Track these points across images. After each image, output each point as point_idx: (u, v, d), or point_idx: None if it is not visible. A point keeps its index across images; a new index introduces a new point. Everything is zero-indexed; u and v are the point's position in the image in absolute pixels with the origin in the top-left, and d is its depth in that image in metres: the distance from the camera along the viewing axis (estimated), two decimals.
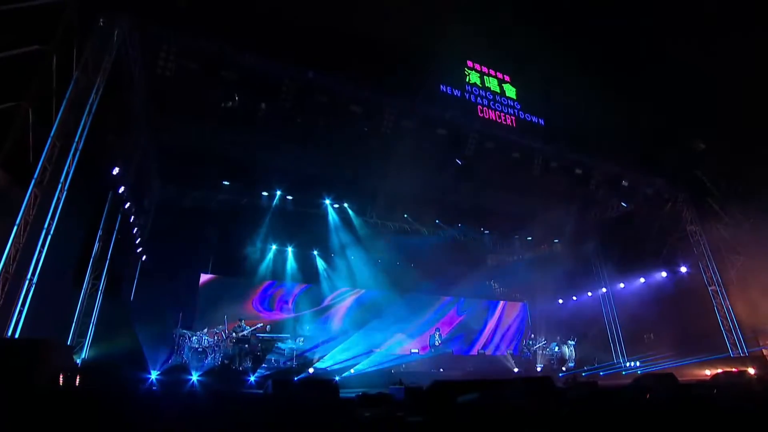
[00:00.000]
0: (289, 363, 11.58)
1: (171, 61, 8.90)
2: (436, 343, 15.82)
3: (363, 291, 17.28)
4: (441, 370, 14.00)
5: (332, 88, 10.51)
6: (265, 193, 14.47)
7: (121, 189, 8.87)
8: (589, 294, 18.25)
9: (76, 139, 7.30)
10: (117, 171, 8.24)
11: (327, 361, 12.38)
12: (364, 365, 12.23)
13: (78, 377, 6.46)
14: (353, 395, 4.03)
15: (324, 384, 3.68)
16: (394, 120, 11.05)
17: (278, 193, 14.46)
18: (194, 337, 11.74)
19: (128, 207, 9.56)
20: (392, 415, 3.52)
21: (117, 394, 5.22)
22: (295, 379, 10.62)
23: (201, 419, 3.16)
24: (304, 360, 12.03)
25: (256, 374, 10.34)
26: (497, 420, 3.64)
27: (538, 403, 4.25)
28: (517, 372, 13.96)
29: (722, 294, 14.57)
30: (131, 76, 8.97)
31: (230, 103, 9.76)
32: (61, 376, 5.96)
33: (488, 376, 10.87)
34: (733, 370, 9.55)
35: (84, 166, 7.97)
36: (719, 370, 9.52)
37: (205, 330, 12.25)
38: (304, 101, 10.31)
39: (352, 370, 11.64)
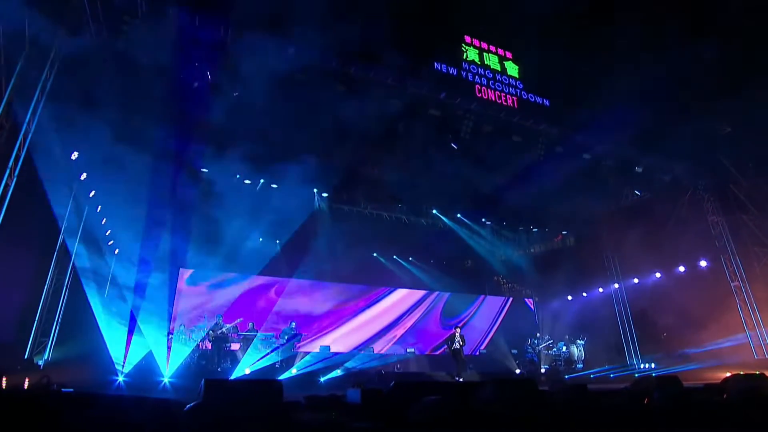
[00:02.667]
0: (272, 362, 11.43)
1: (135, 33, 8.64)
2: (457, 346, 14.56)
3: (356, 286, 17.10)
4: (435, 370, 13.81)
5: (313, 64, 10.20)
6: (248, 181, 14.24)
7: (83, 176, 8.67)
8: (600, 290, 17.90)
9: (27, 120, 7.09)
10: (76, 156, 8.03)
11: (313, 359, 12.24)
12: (351, 365, 12.07)
13: (27, 380, 6.33)
14: (302, 398, 3.83)
15: (266, 385, 3.45)
16: (382, 100, 10.73)
17: (261, 180, 14.23)
18: (171, 336, 11.63)
19: (94, 196, 9.38)
20: (333, 420, 3.30)
21: (57, 397, 4.99)
22: (280, 378, 10.52)
23: (110, 428, 2.94)
24: (288, 359, 11.87)
25: (234, 375, 10.21)
26: (459, 426, 3.39)
27: (513, 408, 3.99)
28: (519, 373, 13.75)
29: (746, 290, 14.18)
30: (92, 51, 8.71)
31: (201, 81, 9.49)
32: (4, 379, 5.82)
33: (487, 377, 10.64)
34: (756, 372, 9.16)
35: (39, 151, 7.79)
36: (741, 373, 9.15)
37: (182, 328, 12.15)
38: (281, 79, 10.01)
39: (338, 371, 11.47)
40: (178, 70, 9.50)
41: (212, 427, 3.04)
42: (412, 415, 3.51)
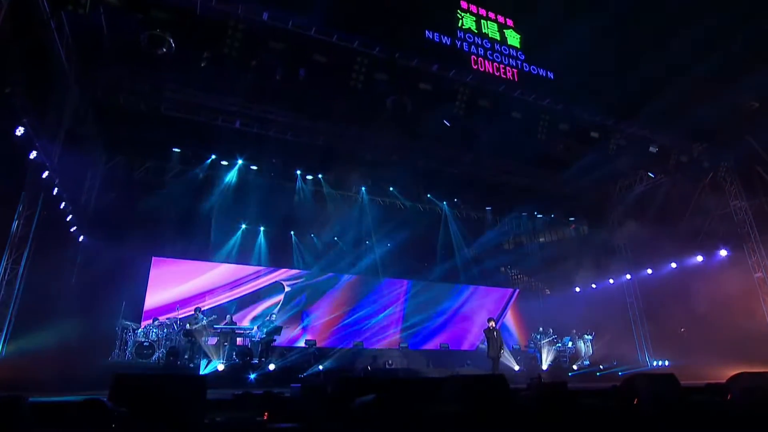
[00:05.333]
0: (247, 358, 11.31)
1: None
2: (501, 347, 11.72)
3: (347, 276, 16.95)
4: (430, 366, 13.72)
5: (289, 33, 9.86)
6: (224, 162, 14.03)
7: (33, 154, 8.45)
8: (611, 281, 17.63)
9: None
10: (23, 132, 7.80)
11: (295, 354, 12.17)
12: (337, 361, 11.97)
13: None
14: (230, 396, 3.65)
15: (186, 381, 3.27)
16: (366, 72, 10.37)
17: (239, 162, 14.01)
18: (140, 330, 11.55)
19: (48, 176, 9.17)
20: (256, 420, 3.11)
21: None
22: (256, 374, 10.40)
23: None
24: (267, 354, 11.77)
25: (205, 371, 10.12)
26: (398, 425, 3.19)
27: (473, 407, 3.78)
28: (519, 370, 13.59)
29: None
30: (43, 12, 8.43)
31: (164, 49, 9.18)
32: None
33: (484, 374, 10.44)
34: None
35: None
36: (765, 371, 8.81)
37: (156, 322, 12.06)
38: (254, 50, 9.70)
39: (320, 367, 11.37)
40: None
41: (105, 425, 2.85)
42: (350, 413, 3.31)
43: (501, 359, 11.56)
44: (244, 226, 16.00)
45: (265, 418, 3.40)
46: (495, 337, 11.29)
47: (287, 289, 15.68)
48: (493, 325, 11.53)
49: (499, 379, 4.25)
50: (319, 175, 15.14)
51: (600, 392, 5.28)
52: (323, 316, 15.78)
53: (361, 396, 3.59)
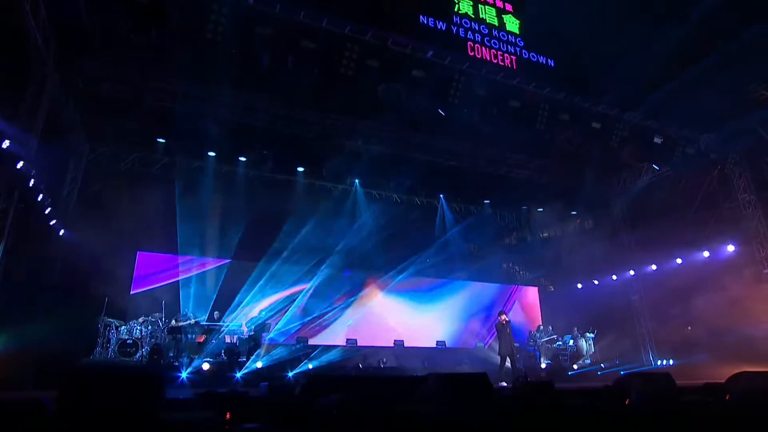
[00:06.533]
0: (235, 356, 11.26)
1: None
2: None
3: (342, 272, 16.85)
4: (426, 365, 13.67)
5: (277, 18, 9.71)
6: (211, 153, 13.92)
7: (6, 143, 8.33)
8: (614, 277, 17.53)
9: None
10: None
11: (285, 352, 12.12)
12: (325, 359, 11.91)
13: None
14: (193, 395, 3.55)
15: (143, 378, 3.16)
16: (357, 58, 10.23)
17: (227, 153, 13.90)
18: (123, 327, 11.49)
19: (24, 168, 9.05)
20: (213, 420, 3.02)
21: None
22: (243, 372, 10.37)
23: None
24: (255, 352, 11.71)
25: (190, 369, 10.06)
26: (372, 428, 3.10)
27: (452, 408, 3.68)
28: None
29: None
30: None
31: (146, 36, 9.05)
32: None
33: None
34: None
35: None
36: None
37: (141, 319, 12.00)
38: (240, 35, 9.56)
39: (310, 365, 11.31)
40: None
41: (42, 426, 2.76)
42: (315, 414, 3.22)
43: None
44: (233, 219, 15.85)
45: (227, 418, 3.31)
46: (507, 333, 10.92)
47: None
48: (505, 319, 11.09)
49: (481, 378, 4.14)
50: (311, 167, 15.03)
51: (591, 392, 5.18)
52: (315, 312, 15.70)
53: (327, 394, 3.49)
